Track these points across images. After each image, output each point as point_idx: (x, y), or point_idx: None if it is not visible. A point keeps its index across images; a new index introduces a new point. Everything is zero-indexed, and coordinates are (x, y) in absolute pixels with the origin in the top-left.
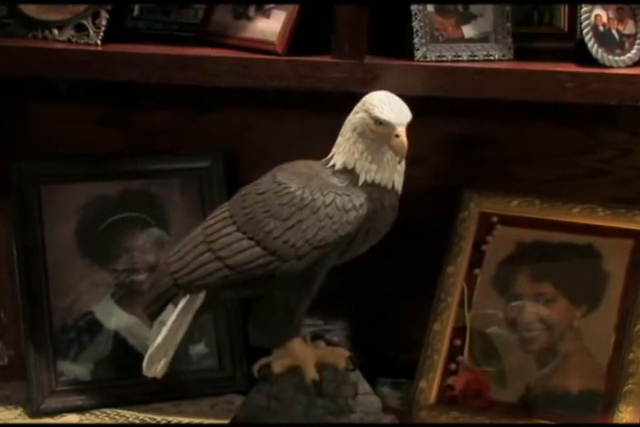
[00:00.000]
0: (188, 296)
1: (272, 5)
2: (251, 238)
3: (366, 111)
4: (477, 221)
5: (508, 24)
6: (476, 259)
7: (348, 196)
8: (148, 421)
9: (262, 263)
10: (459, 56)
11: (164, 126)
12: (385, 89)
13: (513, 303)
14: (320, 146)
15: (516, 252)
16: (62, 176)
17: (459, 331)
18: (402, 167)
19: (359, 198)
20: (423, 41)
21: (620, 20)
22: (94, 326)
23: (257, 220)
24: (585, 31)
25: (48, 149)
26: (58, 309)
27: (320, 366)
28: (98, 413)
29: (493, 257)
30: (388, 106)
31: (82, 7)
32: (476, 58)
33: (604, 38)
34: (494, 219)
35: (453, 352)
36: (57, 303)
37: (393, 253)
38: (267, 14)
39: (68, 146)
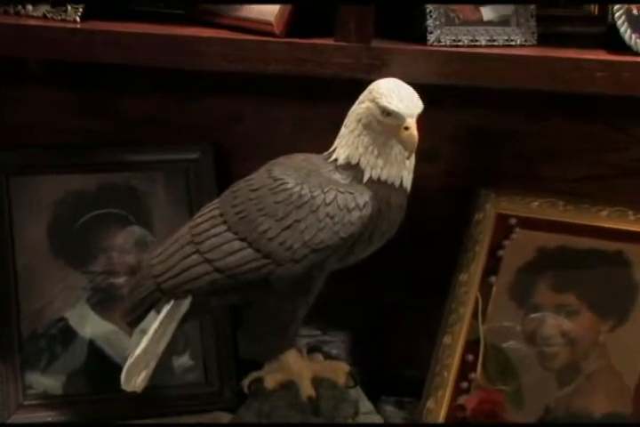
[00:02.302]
0: (172, 302)
1: None
2: (243, 239)
3: (373, 101)
4: (494, 223)
5: (532, 6)
6: (492, 266)
7: (352, 194)
8: None
9: (255, 267)
10: (476, 40)
11: (148, 114)
12: (394, 76)
13: (532, 315)
14: (321, 138)
15: (536, 258)
16: (34, 168)
17: (471, 345)
18: (411, 163)
19: (363, 197)
20: (437, 23)
21: None
22: (67, 334)
23: (250, 219)
24: (617, 15)
25: (18, 138)
26: (27, 314)
27: (317, 382)
28: None
29: (511, 264)
30: (396, 95)
31: None
32: (496, 43)
33: (639, 23)
34: (513, 221)
35: (465, 369)
36: (26, 308)
37: (399, 258)
38: None
39: (40, 134)
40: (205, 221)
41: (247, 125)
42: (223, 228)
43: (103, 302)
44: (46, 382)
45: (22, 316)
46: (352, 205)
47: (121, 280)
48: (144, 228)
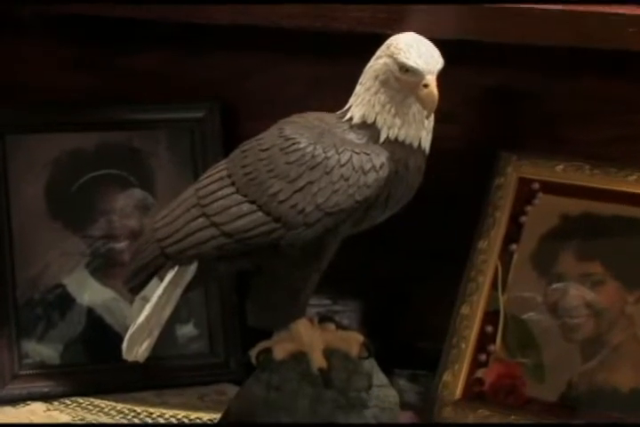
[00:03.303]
0: (176, 268)
1: None
2: (252, 202)
3: (391, 56)
4: (515, 188)
5: None
6: (513, 233)
7: (367, 154)
8: (127, 412)
9: (265, 231)
10: None
11: (151, 70)
12: (413, 31)
13: (555, 285)
14: (335, 96)
15: (560, 225)
16: (30, 126)
17: (490, 316)
18: (430, 123)
19: (380, 158)
20: None
21: None
22: (65, 301)
23: (260, 180)
24: None
25: (13, 95)
26: (23, 280)
27: (329, 353)
28: (68, 401)
29: (533, 231)
30: (416, 50)
31: None
32: None
33: None
34: (535, 186)
35: (484, 341)
36: (22, 274)
37: (416, 224)
38: None
39: (36, 91)
40: (212, 182)
41: (256, 83)
42: (231, 189)
43: (103, 267)
44: (43, 351)
45: (18, 282)
46: (368, 166)
47: (121, 245)
48: (146, 190)
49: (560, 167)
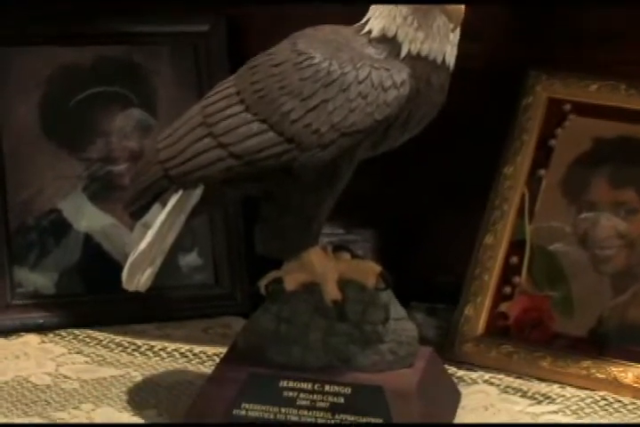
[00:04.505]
0: (180, 192)
1: None
2: (263, 121)
3: None
4: (545, 109)
5: None
6: (542, 157)
7: (388, 70)
8: (126, 345)
9: (276, 153)
10: None
11: None
12: None
13: (585, 214)
14: (352, 8)
15: (592, 149)
16: (21, 38)
17: (516, 246)
18: (455, 37)
19: (401, 74)
20: None
21: None
22: (60, 227)
23: (271, 98)
24: None
25: (3, 4)
26: (15, 205)
27: (343, 284)
28: (64, 333)
29: (563, 155)
30: None
31: None
32: None
33: None
34: (567, 107)
35: (508, 272)
36: (14, 198)
37: (437, 148)
38: None
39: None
40: (220, 99)
41: None
42: (240, 108)
43: (101, 191)
44: (37, 280)
45: (10, 206)
46: (388, 83)
47: (121, 168)
48: (146, 110)
49: (594, 87)
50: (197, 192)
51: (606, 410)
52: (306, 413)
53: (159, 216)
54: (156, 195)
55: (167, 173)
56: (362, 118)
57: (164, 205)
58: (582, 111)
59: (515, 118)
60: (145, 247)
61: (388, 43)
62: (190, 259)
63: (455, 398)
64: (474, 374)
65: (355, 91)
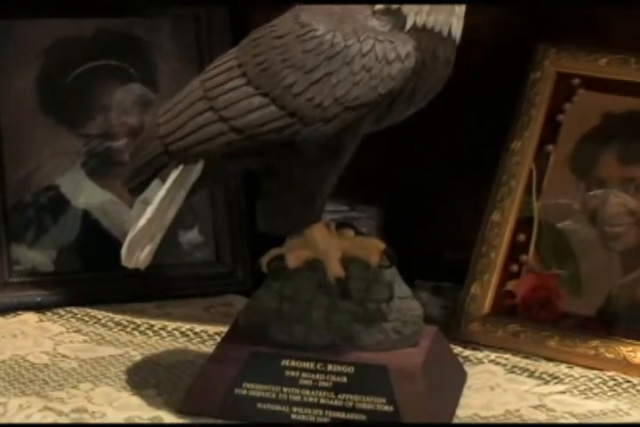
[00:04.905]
0: (180, 167)
1: None
2: (265, 95)
3: None
4: (553, 83)
5: None
6: (550, 133)
7: (392, 43)
8: (126, 324)
9: (278, 127)
10: None
11: None
12: None
13: (593, 192)
14: None
15: (601, 124)
16: (18, 10)
17: (523, 223)
18: (461, 9)
19: (405, 46)
20: None
21: None
22: (59, 204)
23: (273, 71)
24: None
25: None
26: (12, 181)
27: (347, 261)
28: (62, 312)
29: (572, 131)
30: None
31: None
32: None
33: None
34: (576, 81)
35: (515, 250)
36: (11, 175)
37: (443, 123)
38: None
39: None
40: (221, 72)
41: None
42: (242, 81)
43: (100, 167)
44: (35, 257)
45: (7, 182)
46: (392, 55)
47: (120, 143)
48: (147, 84)
49: (603, 61)
50: (198, 167)
51: (615, 390)
52: (308, 392)
53: (159, 192)
54: (155, 170)
55: (167, 149)
56: (366, 92)
57: (163, 180)
58: (591, 86)
59: (522, 93)
60: (144, 224)
61: (393, 15)
62: (191, 236)
63: (461, 377)
64: (480, 354)
65: (358, 64)
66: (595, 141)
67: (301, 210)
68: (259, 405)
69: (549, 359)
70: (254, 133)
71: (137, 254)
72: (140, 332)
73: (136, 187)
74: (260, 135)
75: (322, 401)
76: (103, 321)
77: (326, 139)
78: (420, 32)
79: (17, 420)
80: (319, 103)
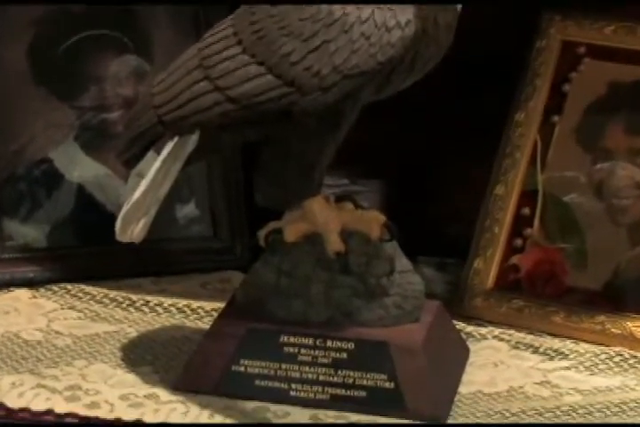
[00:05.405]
0: (175, 139)
1: None
2: (261, 64)
3: None
4: (559, 52)
5: None
6: (555, 103)
7: (391, 10)
8: (121, 300)
9: (276, 96)
10: None
11: None
12: None
13: (600, 165)
14: None
15: (607, 94)
16: None
17: (528, 196)
18: None
19: (405, 13)
20: None
21: None
22: (52, 178)
23: (270, 39)
24: None
25: None
26: (5, 154)
27: (346, 235)
28: (56, 288)
29: (578, 101)
30: None
31: None
32: None
33: None
34: (581, 50)
35: (520, 224)
36: (3, 147)
37: (446, 93)
38: None
39: None
40: (217, 41)
41: None
42: (238, 49)
43: (94, 140)
44: (28, 232)
45: None
46: (392, 23)
47: (115, 115)
48: (142, 55)
49: (610, 29)
50: (193, 138)
51: (621, 366)
52: (307, 369)
53: (154, 164)
54: (150, 142)
55: (161, 119)
56: (365, 60)
57: (158, 152)
58: (598, 54)
59: (527, 62)
60: (139, 196)
61: None
62: (187, 210)
63: (463, 354)
64: (483, 330)
65: (357, 31)
66: (601, 112)
67: (300, 182)
68: (256, 382)
69: (554, 335)
70: (250, 103)
71: (131, 228)
72: (136, 308)
73: (130, 159)
74: (256, 105)
75: (321, 378)
76: (98, 297)
77: (325, 108)
78: None
79: (9, 398)
80: (317, 72)
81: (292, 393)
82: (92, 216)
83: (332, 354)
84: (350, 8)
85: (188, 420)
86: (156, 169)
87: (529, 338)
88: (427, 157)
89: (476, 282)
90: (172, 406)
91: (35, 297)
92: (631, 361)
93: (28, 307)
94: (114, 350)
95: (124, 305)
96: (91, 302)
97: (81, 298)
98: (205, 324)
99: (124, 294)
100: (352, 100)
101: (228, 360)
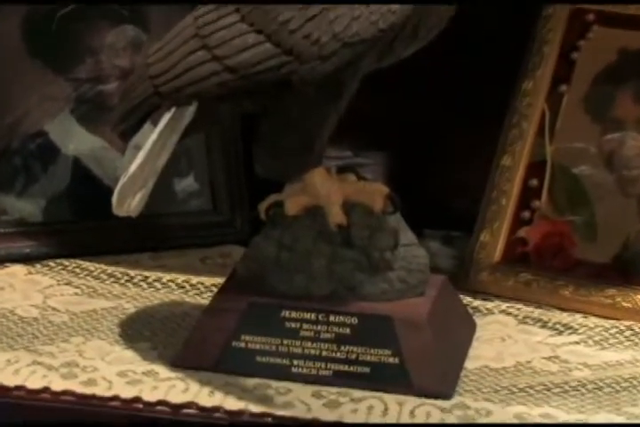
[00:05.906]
0: (172, 110)
1: None
2: (259, 32)
3: None
4: (567, 19)
5: None
6: (564, 71)
7: None
8: (119, 275)
9: (274, 65)
10: None
11: None
12: None
13: (610, 135)
14: None
15: (617, 62)
16: None
17: (536, 168)
18: None
19: None
20: None
21: None
22: (47, 151)
23: (268, 7)
24: None
25: None
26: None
27: (349, 207)
28: (52, 264)
29: (587, 69)
30: None
31: None
32: None
33: None
34: (590, 17)
35: (527, 196)
36: None
37: (451, 62)
38: None
39: None
40: (213, 9)
41: None
42: (235, 17)
43: (91, 113)
44: (23, 207)
45: None
46: None
47: (111, 87)
48: (138, 25)
49: None
50: (191, 109)
51: (632, 340)
52: (309, 344)
53: (151, 136)
54: (146, 113)
55: (158, 90)
56: (365, 27)
57: (155, 124)
58: (607, 21)
59: (535, 30)
60: (136, 169)
61: None
62: (186, 184)
63: (470, 328)
64: (490, 304)
65: None
66: (610, 80)
67: (300, 153)
68: (258, 358)
69: (563, 309)
70: (248, 73)
71: (128, 202)
72: (134, 284)
73: (126, 131)
74: (254, 75)
75: (324, 354)
76: (95, 273)
77: (324, 78)
78: None
79: (4, 375)
80: (316, 40)
81: (294, 369)
82: (89, 190)
83: (335, 329)
84: None
85: (187, 397)
86: (152, 141)
87: (537, 312)
88: (431, 127)
89: (483, 255)
90: (170, 382)
91: (30, 273)
92: None
93: (24, 283)
94: (111, 327)
95: (121, 281)
96: (88, 277)
97: (78, 274)
98: (205, 299)
99: (122, 270)
100: (352, 69)
101: (229, 336)
